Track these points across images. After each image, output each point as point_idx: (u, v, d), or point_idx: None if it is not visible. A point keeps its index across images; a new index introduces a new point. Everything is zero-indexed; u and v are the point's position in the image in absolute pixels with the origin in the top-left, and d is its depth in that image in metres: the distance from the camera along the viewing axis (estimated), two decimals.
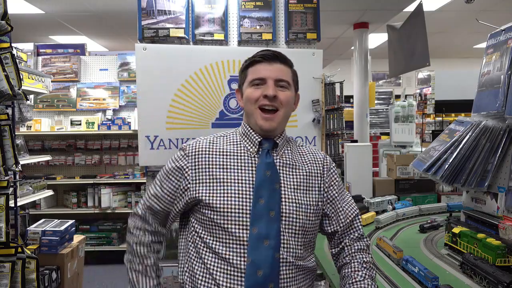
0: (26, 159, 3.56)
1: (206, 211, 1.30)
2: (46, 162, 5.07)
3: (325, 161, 1.44)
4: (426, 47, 3.39)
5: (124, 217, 5.13)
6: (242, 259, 1.25)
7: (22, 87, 2.59)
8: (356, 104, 6.40)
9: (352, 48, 6.48)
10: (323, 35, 3.34)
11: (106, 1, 5.24)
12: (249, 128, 1.40)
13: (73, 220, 3.60)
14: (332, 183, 1.43)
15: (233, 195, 1.29)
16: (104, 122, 5.05)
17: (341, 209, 1.42)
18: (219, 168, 1.33)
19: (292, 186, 1.34)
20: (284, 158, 1.38)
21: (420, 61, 3.52)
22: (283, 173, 1.35)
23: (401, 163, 2.83)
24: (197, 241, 1.33)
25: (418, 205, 2.46)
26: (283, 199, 1.31)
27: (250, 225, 1.26)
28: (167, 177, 1.38)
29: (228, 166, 1.33)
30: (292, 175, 1.36)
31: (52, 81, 4.09)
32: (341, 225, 1.41)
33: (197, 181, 1.32)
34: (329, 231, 1.43)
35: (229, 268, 1.26)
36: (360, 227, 1.45)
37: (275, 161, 1.36)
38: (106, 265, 4.94)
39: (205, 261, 1.30)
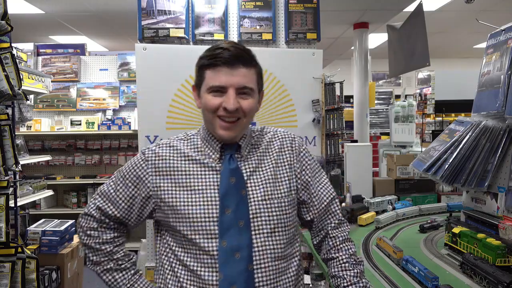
0: (26, 159, 3.56)
1: (172, 220, 1.23)
2: (46, 162, 5.07)
3: (293, 145, 1.35)
4: (426, 47, 3.39)
5: None
6: (214, 273, 1.18)
7: (22, 87, 2.59)
8: (356, 104, 6.40)
9: (352, 48, 6.49)
10: (323, 35, 3.34)
11: (106, 1, 5.25)
12: (209, 133, 1.29)
13: (73, 220, 3.60)
14: (304, 167, 1.34)
15: (198, 203, 1.21)
16: (104, 122, 5.05)
17: (315, 194, 1.34)
18: (182, 175, 1.25)
19: (259, 185, 1.25)
20: (249, 159, 1.29)
21: (420, 61, 3.52)
22: (249, 175, 1.26)
23: (401, 163, 2.83)
24: (169, 255, 1.26)
25: (418, 205, 2.46)
26: (252, 204, 1.22)
27: (219, 237, 1.18)
28: (123, 181, 1.30)
29: (192, 173, 1.25)
30: (260, 173, 1.27)
31: (52, 81, 4.09)
32: (316, 211, 1.33)
33: (160, 188, 1.24)
34: (307, 219, 1.35)
35: (201, 283, 1.19)
36: (338, 211, 1.37)
37: (239, 164, 1.26)
38: None
39: (178, 275, 1.23)
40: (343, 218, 1.38)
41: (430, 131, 6.00)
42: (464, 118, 1.84)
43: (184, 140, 1.32)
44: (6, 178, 2.46)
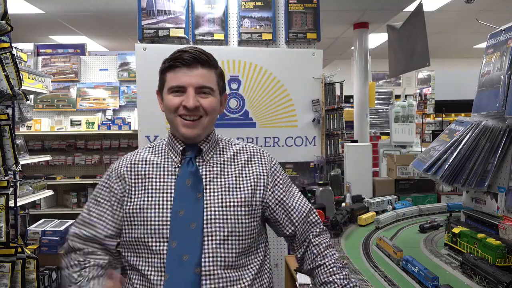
0: (26, 159, 3.55)
1: (126, 225, 1.25)
2: (46, 162, 5.07)
3: (263, 160, 1.34)
4: (426, 47, 3.39)
5: None
6: (161, 274, 1.18)
7: (22, 87, 2.59)
8: (356, 104, 6.40)
9: (352, 48, 6.49)
10: (323, 35, 3.34)
11: (106, 1, 5.25)
12: (172, 137, 1.32)
13: (73, 220, 3.59)
14: (276, 182, 1.33)
15: (151, 206, 1.22)
16: (104, 122, 5.05)
17: (292, 207, 1.33)
18: (141, 179, 1.27)
19: (218, 191, 1.25)
20: (211, 164, 1.29)
21: (420, 61, 3.52)
22: (209, 180, 1.26)
23: (401, 163, 2.83)
24: (126, 266, 1.28)
25: (418, 205, 2.46)
26: (207, 208, 1.22)
27: (169, 239, 1.19)
28: (96, 202, 1.31)
29: (149, 177, 1.27)
30: (220, 179, 1.27)
31: (52, 81, 4.09)
32: (296, 224, 1.33)
33: (126, 192, 1.27)
34: (287, 233, 1.34)
35: (150, 285, 1.19)
36: (318, 221, 1.37)
37: (199, 168, 1.27)
38: None
39: (133, 281, 1.24)
40: (324, 227, 1.38)
41: (430, 131, 6.00)
42: (464, 118, 1.84)
43: (149, 148, 1.36)
44: (6, 178, 2.46)
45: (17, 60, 2.61)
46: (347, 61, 7.29)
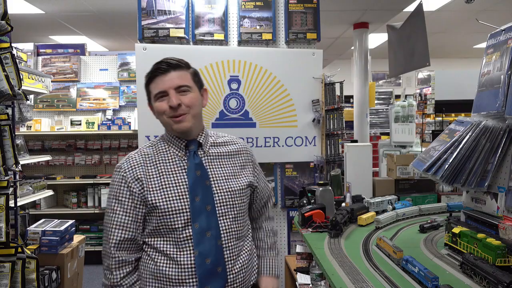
0: (26, 159, 3.55)
1: (154, 216, 1.44)
2: (46, 162, 5.07)
3: (247, 148, 1.66)
4: (426, 47, 3.40)
5: None
6: (191, 253, 1.43)
7: (22, 87, 2.59)
8: (356, 104, 6.40)
9: (352, 48, 6.49)
10: (323, 35, 3.35)
11: (106, 1, 5.25)
12: (173, 135, 1.53)
13: (73, 220, 3.60)
14: (257, 166, 1.69)
15: (172, 198, 1.44)
16: (104, 122, 5.05)
17: (261, 189, 1.69)
18: (155, 177, 1.47)
19: (222, 178, 1.53)
20: (210, 155, 1.55)
21: (420, 61, 3.52)
22: (211, 169, 1.52)
23: (401, 163, 2.83)
24: (150, 253, 1.47)
25: (418, 205, 2.46)
26: (215, 193, 1.49)
27: (192, 221, 1.43)
28: (119, 203, 1.47)
29: (164, 173, 1.48)
30: (221, 168, 1.55)
31: (52, 81, 4.09)
32: (261, 203, 1.71)
33: (144, 190, 1.45)
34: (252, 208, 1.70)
35: (177, 265, 1.42)
36: (270, 204, 1.78)
37: (202, 160, 1.52)
38: None
39: (157, 262, 1.45)
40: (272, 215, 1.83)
41: (430, 131, 5.99)
42: (464, 118, 1.84)
43: (151, 146, 1.56)
44: (6, 178, 2.45)
45: (17, 60, 2.61)
46: (347, 61, 7.30)
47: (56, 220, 3.53)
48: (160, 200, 1.44)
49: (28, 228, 3.34)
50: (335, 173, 2.77)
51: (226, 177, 1.54)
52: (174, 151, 1.52)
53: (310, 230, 2.08)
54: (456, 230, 1.67)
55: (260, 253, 1.70)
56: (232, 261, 1.48)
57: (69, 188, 5.24)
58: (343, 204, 2.47)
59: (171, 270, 1.43)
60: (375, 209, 2.41)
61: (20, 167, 2.58)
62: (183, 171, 1.49)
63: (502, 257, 1.40)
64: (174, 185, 1.46)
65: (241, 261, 1.51)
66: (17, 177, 2.98)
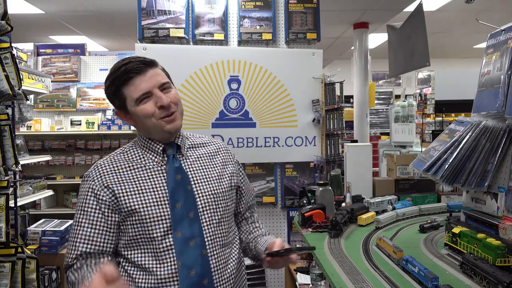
0: (26, 159, 3.56)
1: (130, 224, 1.30)
2: (46, 162, 5.07)
3: (228, 151, 1.54)
4: (426, 47, 3.40)
5: None
6: (173, 264, 1.27)
7: (22, 87, 2.59)
8: (356, 104, 6.40)
9: (352, 48, 6.49)
10: (323, 35, 3.35)
11: (106, 1, 5.25)
12: (148, 140, 1.39)
13: (73, 220, 3.60)
14: (240, 167, 1.56)
15: (151, 205, 1.30)
16: (104, 122, 5.05)
17: (246, 191, 1.57)
18: (131, 182, 1.32)
19: (204, 181, 1.39)
20: (189, 158, 1.42)
21: (420, 61, 3.52)
22: (192, 172, 1.39)
23: (401, 163, 2.83)
24: (126, 267, 1.31)
25: (418, 205, 2.46)
26: (198, 197, 1.35)
27: (173, 230, 1.29)
28: (84, 213, 1.31)
29: (139, 178, 1.33)
30: (202, 170, 1.41)
31: (52, 81, 4.09)
32: (247, 205, 1.58)
33: (117, 197, 1.30)
34: (237, 210, 1.56)
35: (157, 279, 1.27)
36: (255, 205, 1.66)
37: (182, 163, 1.39)
38: None
39: (133, 277, 1.29)
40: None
41: (430, 131, 6.00)
42: (464, 118, 1.84)
43: (123, 153, 1.41)
44: (6, 178, 2.46)
45: (17, 60, 2.61)
46: (347, 61, 7.30)
47: (56, 220, 3.53)
48: (137, 204, 1.29)
49: (28, 228, 3.34)
50: (335, 173, 2.77)
51: (208, 180, 1.40)
52: (151, 156, 1.38)
53: (310, 230, 2.08)
54: (456, 230, 1.67)
55: (258, 234, 1.56)
56: (219, 271, 1.34)
57: (69, 188, 5.24)
58: (343, 204, 2.47)
59: (151, 285, 1.27)
60: (375, 209, 2.41)
61: (20, 167, 2.58)
62: (162, 175, 1.35)
63: (502, 257, 1.40)
64: (151, 189, 1.32)
65: (229, 270, 1.37)
66: (17, 177, 2.98)
